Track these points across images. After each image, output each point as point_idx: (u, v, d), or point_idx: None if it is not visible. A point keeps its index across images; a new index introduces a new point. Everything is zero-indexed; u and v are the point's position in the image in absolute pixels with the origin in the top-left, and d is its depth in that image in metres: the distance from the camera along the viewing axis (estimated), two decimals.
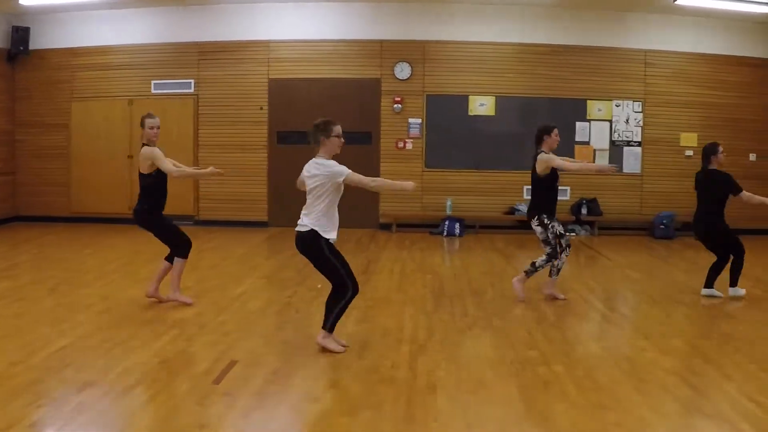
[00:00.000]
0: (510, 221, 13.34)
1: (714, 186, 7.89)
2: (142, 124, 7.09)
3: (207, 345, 5.90)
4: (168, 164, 6.96)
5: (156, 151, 6.95)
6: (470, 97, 13.33)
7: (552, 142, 7.63)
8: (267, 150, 13.32)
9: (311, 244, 5.60)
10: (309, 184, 5.67)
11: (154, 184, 7.02)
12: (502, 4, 13.08)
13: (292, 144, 13.13)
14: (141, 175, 7.07)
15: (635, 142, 13.53)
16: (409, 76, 13.28)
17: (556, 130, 7.69)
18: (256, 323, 6.66)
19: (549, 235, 7.61)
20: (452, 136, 13.36)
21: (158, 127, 7.06)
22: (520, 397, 4.81)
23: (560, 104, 13.16)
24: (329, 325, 5.73)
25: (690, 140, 13.50)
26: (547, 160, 7.51)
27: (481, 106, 13.33)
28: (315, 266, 5.74)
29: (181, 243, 7.17)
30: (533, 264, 7.72)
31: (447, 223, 12.96)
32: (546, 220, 7.60)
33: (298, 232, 5.66)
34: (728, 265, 8.03)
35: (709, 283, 8.12)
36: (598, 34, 13.37)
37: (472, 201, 13.29)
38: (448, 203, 13.22)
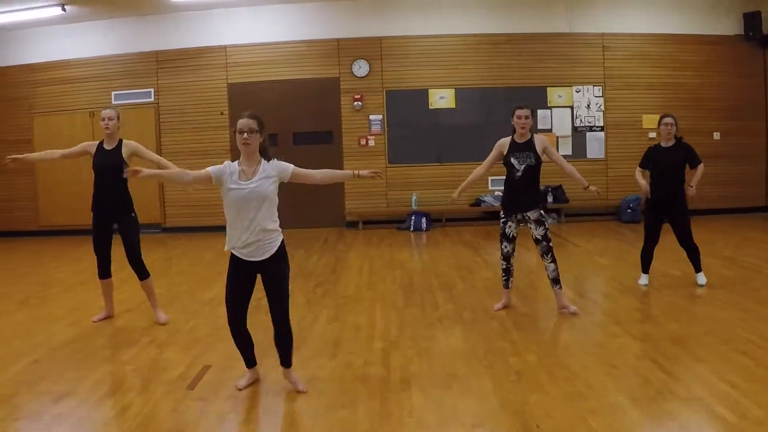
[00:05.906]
0: (476, 213, 13.38)
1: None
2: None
3: (179, 351, 5.90)
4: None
5: None
6: (430, 91, 13.38)
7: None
8: (230, 155, 13.23)
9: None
10: None
11: None
12: None
13: None
14: None
15: (598, 127, 13.64)
16: (367, 73, 13.32)
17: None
18: (226, 327, 6.49)
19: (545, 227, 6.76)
20: (414, 131, 13.41)
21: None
22: (494, 389, 4.81)
23: (520, 93, 13.18)
24: None
25: (652, 122, 13.57)
26: (547, 144, 6.66)
27: (441, 99, 13.39)
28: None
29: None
30: (553, 278, 6.84)
31: (413, 218, 13.00)
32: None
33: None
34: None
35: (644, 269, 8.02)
36: (554, 20, 13.44)
37: (437, 194, 13.25)
38: (414, 198, 13.26)
